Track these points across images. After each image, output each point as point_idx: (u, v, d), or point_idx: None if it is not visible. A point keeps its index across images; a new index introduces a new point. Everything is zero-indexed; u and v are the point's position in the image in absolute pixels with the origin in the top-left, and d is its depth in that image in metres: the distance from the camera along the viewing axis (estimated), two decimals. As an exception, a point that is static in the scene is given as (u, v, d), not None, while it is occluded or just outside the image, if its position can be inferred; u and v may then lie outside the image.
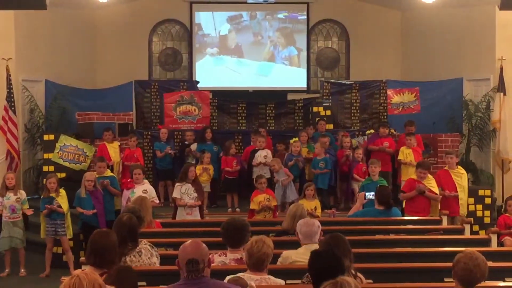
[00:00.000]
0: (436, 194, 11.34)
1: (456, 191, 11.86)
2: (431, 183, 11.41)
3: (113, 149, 14.19)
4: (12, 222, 11.86)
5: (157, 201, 12.00)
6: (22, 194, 12.12)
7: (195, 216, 11.50)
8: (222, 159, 14.26)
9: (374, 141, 14.53)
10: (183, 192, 11.46)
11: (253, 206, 11.82)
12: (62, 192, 11.83)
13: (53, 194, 11.66)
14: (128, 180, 12.18)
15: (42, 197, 11.92)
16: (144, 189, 11.50)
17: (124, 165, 14.03)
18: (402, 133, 14.73)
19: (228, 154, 14.21)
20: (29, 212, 12.03)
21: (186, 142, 15.00)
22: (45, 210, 11.57)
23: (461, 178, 12.02)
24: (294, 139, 14.33)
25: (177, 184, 11.70)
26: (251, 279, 5.66)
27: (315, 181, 13.39)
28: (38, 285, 11.26)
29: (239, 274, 5.68)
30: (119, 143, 14.53)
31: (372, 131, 15.23)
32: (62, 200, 11.72)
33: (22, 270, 11.86)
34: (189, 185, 11.50)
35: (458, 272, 5.12)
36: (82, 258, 7.27)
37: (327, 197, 13.89)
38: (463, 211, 11.92)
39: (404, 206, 11.65)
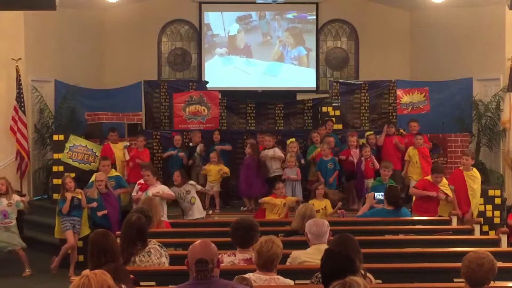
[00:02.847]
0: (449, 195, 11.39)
1: (467, 193, 11.84)
2: (445, 187, 11.43)
3: (118, 150, 14.15)
4: (5, 227, 11.81)
5: (172, 193, 12.04)
6: (14, 198, 12.00)
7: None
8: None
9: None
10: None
11: (265, 205, 12.09)
12: (79, 191, 11.86)
13: (73, 193, 11.67)
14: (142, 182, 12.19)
15: (60, 197, 11.85)
16: (156, 191, 11.58)
17: (130, 165, 14.04)
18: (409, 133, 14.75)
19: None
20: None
21: (190, 144, 14.96)
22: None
23: (473, 181, 11.95)
24: (291, 139, 14.32)
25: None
26: (260, 279, 5.67)
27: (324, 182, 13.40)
28: (46, 284, 11.29)
29: (248, 274, 5.68)
30: (127, 143, 14.52)
31: (371, 132, 15.16)
32: (82, 197, 11.78)
33: (27, 270, 11.86)
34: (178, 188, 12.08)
35: (463, 270, 5.19)
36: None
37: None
38: (473, 213, 11.87)
39: (412, 204, 11.68)
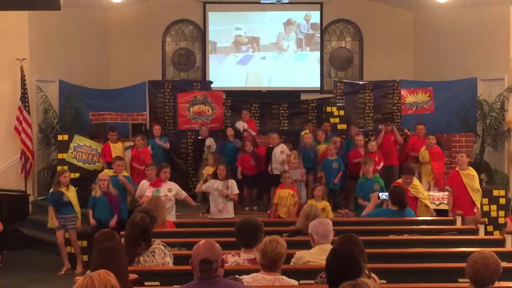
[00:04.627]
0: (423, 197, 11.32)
1: (467, 193, 11.75)
2: (416, 189, 11.33)
3: (117, 150, 14.07)
4: None
5: (192, 202, 12.06)
6: None
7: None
8: (240, 157, 14.26)
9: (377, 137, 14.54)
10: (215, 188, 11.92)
11: (275, 200, 11.91)
12: (72, 188, 11.95)
13: (63, 189, 11.74)
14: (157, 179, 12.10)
15: (51, 191, 11.98)
16: (169, 188, 11.60)
17: (132, 166, 13.97)
18: (413, 133, 14.71)
19: (246, 153, 14.17)
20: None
21: (200, 137, 15.00)
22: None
23: (471, 180, 11.81)
24: (304, 131, 14.27)
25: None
26: (264, 279, 5.67)
27: (327, 182, 13.36)
28: (51, 283, 11.29)
29: (252, 275, 5.69)
30: (132, 143, 14.51)
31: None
32: (71, 194, 11.86)
33: None
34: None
35: (467, 270, 5.17)
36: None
37: (339, 197, 13.82)
38: (478, 212, 11.81)
39: None
